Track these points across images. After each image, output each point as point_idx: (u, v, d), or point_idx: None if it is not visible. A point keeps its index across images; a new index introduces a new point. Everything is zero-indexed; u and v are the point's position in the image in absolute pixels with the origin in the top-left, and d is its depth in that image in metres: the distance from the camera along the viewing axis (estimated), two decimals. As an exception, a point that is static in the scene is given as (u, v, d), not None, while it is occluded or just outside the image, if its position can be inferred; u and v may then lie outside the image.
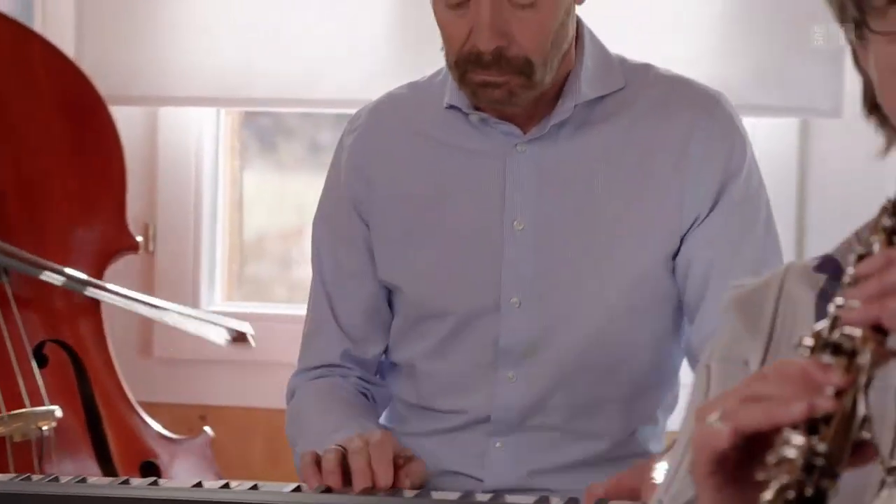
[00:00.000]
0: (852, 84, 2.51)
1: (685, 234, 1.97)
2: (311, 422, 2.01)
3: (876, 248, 1.16)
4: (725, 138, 1.99)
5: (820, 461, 1.05)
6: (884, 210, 1.18)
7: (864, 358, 1.09)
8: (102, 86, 2.40)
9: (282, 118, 2.89)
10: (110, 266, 2.45)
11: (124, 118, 2.46)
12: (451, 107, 1.96)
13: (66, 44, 2.53)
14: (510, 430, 1.96)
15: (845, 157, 2.69)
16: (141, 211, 2.57)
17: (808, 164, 2.70)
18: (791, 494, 1.03)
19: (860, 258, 1.16)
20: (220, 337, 2.49)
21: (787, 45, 2.67)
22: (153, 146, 2.63)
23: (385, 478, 1.79)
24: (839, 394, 1.09)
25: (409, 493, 1.77)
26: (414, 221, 2.03)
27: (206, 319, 2.50)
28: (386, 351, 2.09)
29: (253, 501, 1.74)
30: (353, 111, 2.11)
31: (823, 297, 1.35)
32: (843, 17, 1.35)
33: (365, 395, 2.06)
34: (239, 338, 2.51)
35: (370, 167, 2.03)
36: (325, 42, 2.66)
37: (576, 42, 1.98)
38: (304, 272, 2.67)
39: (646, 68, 2.03)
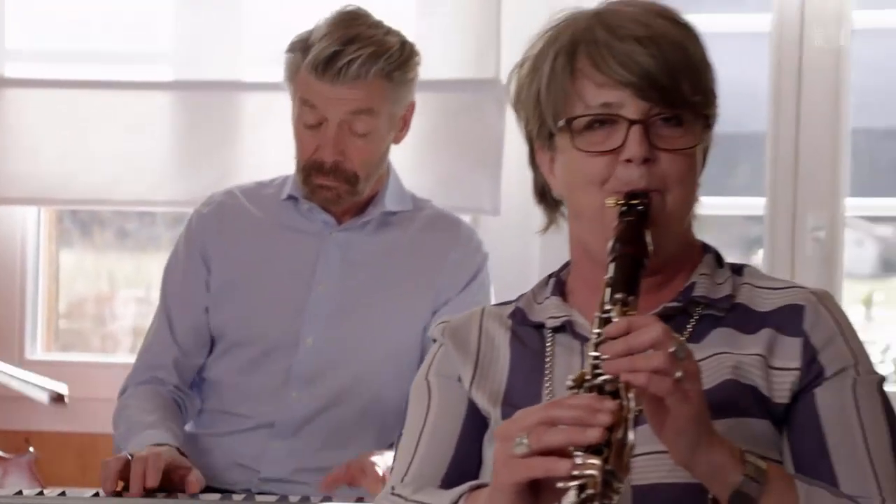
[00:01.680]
0: (507, 186, 2.98)
1: (436, 311, 2.40)
2: (132, 415, 2.37)
3: (614, 315, 1.43)
4: (477, 252, 2.49)
5: (610, 476, 1.29)
6: (607, 284, 1.47)
7: (628, 398, 1.34)
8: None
9: (97, 212, 3.36)
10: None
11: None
12: (290, 197, 2.40)
13: None
14: (287, 435, 2.35)
15: (504, 244, 3.06)
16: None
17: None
18: (594, 491, 1.27)
19: (603, 322, 1.43)
20: (41, 396, 2.89)
21: (458, 158, 3.19)
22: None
23: (151, 481, 2.09)
24: (614, 425, 1.32)
25: (182, 496, 2.09)
26: (243, 273, 2.44)
27: (30, 381, 2.90)
28: (201, 370, 2.45)
29: (61, 505, 2.06)
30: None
31: (514, 335, 1.68)
32: (538, 129, 1.63)
33: (177, 403, 2.42)
34: (57, 398, 2.89)
35: (219, 229, 2.47)
36: (124, 156, 3.12)
37: (386, 171, 2.45)
38: (115, 327, 3.27)
39: (426, 201, 2.53)
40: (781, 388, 1.56)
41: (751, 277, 1.67)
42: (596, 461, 1.29)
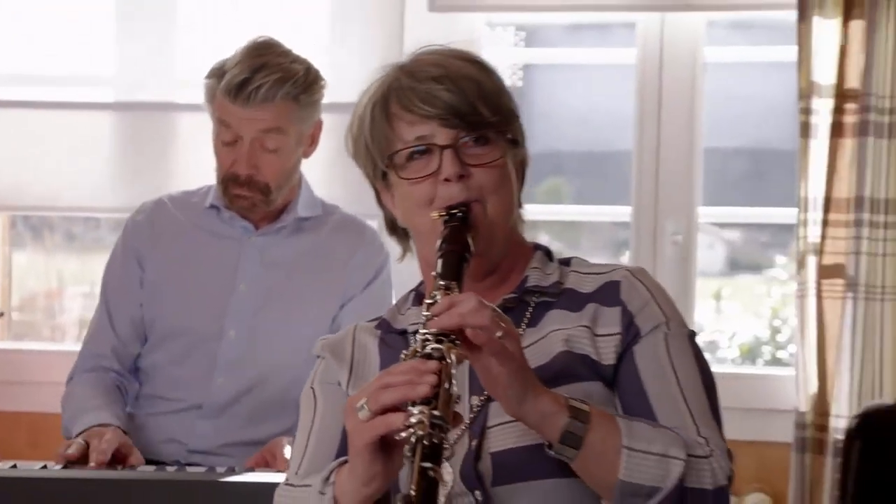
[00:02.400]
0: None
1: (343, 305, 2.48)
2: (79, 399, 2.46)
3: (438, 298, 1.50)
4: (379, 253, 2.57)
5: (437, 421, 1.37)
6: (434, 277, 1.56)
7: (451, 358, 1.43)
8: None
9: (47, 217, 3.56)
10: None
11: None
12: (212, 206, 2.49)
13: None
14: (213, 416, 2.44)
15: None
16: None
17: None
18: (424, 443, 1.35)
19: (430, 306, 1.49)
20: None
21: None
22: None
23: (103, 457, 2.21)
24: (439, 381, 1.40)
25: (122, 469, 2.21)
26: (172, 273, 2.52)
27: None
28: (138, 358, 2.52)
29: (12, 476, 2.12)
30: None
31: (382, 341, 1.74)
32: (373, 172, 1.71)
33: (119, 388, 2.50)
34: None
35: (150, 234, 2.55)
36: (71, 168, 3.30)
37: (298, 182, 2.52)
38: (63, 319, 3.47)
39: (334, 207, 2.61)
40: (607, 352, 1.66)
41: (577, 266, 1.78)
42: (424, 409, 1.39)
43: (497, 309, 1.49)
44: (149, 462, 2.30)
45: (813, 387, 2.99)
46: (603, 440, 1.52)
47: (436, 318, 1.47)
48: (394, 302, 2.03)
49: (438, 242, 1.62)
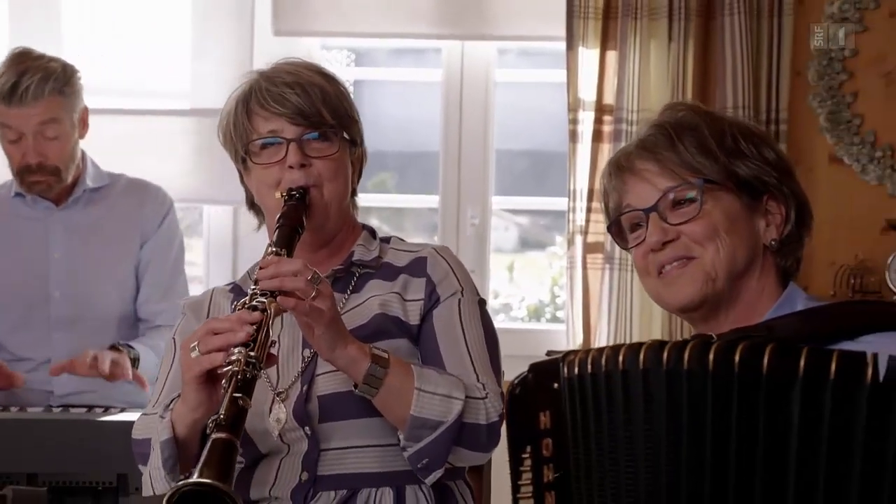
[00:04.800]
0: None
1: (142, 245, 2.63)
2: None
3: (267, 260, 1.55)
4: (164, 202, 2.69)
5: (252, 359, 1.45)
6: (269, 245, 1.62)
7: (270, 310, 1.51)
8: None
9: None
10: None
11: None
12: (17, 194, 2.62)
13: None
14: (62, 367, 2.53)
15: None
16: None
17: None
18: (238, 377, 1.42)
19: (261, 268, 1.55)
20: None
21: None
22: None
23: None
24: (259, 328, 1.47)
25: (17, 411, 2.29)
26: None
27: None
28: None
29: None
30: None
31: (233, 301, 1.77)
32: (235, 157, 1.75)
33: None
34: None
35: None
36: None
37: (83, 159, 2.63)
38: None
39: (119, 175, 2.70)
40: (414, 314, 1.72)
41: (395, 244, 1.82)
42: (243, 350, 1.46)
43: (318, 273, 1.55)
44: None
45: (580, 338, 3.28)
46: (399, 382, 1.59)
47: (261, 281, 1.54)
48: (184, 239, 2.38)
49: (277, 216, 1.67)
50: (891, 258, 3.24)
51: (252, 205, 1.82)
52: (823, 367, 1.22)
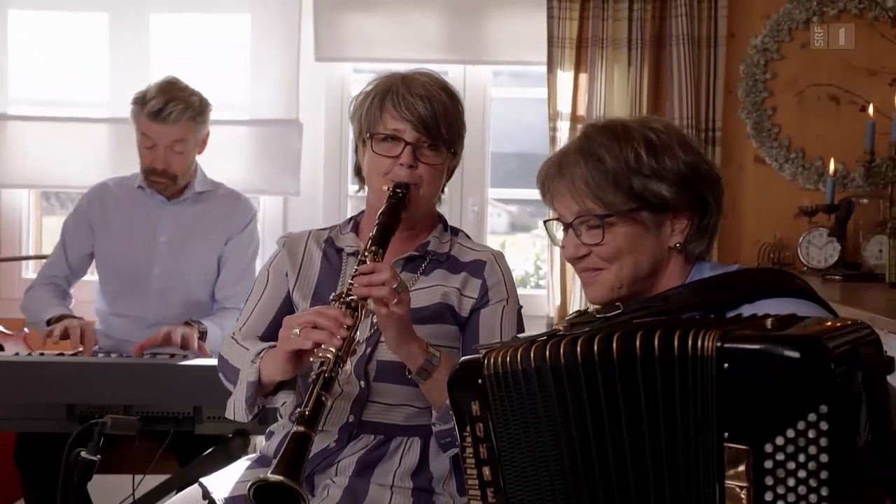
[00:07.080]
0: (303, 178, 3.69)
1: (227, 242, 2.87)
2: (42, 299, 2.87)
3: (368, 260, 1.68)
4: (249, 211, 2.95)
5: (340, 359, 1.58)
6: (368, 238, 1.71)
7: (361, 314, 1.63)
8: None
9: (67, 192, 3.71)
10: None
11: None
12: (139, 187, 2.95)
13: None
14: (153, 325, 2.80)
15: (300, 209, 3.68)
16: None
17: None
18: (325, 375, 1.55)
19: (361, 263, 1.66)
20: None
21: (274, 163, 3.59)
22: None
23: (77, 341, 2.57)
24: (349, 328, 1.60)
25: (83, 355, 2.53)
26: (112, 231, 2.92)
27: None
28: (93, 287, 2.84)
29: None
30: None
31: (325, 255, 1.86)
32: (359, 135, 1.85)
33: (66, 295, 2.94)
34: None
35: (98, 205, 2.96)
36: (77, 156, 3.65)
37: (195, 169, 2.96)
38: None
39: (220, 184, 3.00)
40: (465, 308, 1.81)
41: (461, 240, 1.89)
42: (333, 350, 1.53)
43: (403, 282, 1.63)
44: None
45: (558, 301, 3.58)
46: (443, 379, 1.57)
47: (355, 285, 1.62)
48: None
49: (381, 209, 1.74)
50: (801, 237, 3.66)
51: (357, 172, 1.92)
52: (650, 346, 1.30)
